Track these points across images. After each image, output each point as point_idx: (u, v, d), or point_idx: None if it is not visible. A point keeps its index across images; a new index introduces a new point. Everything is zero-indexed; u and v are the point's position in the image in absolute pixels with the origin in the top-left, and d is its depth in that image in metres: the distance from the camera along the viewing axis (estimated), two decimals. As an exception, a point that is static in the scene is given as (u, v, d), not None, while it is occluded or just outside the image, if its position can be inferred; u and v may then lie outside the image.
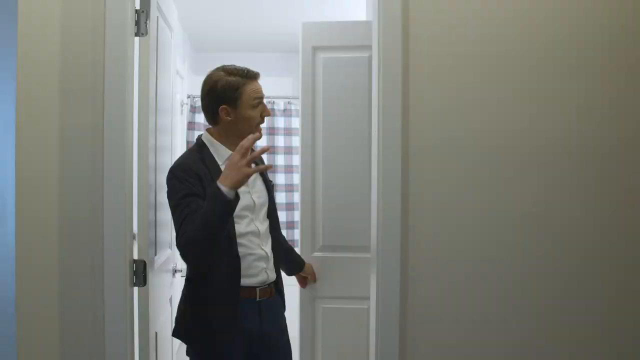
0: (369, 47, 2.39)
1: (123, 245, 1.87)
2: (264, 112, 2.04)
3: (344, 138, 2.56)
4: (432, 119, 1.96)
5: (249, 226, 2.01)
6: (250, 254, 2.00)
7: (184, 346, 3.32)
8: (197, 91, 5.57)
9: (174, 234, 2.63)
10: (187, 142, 4.87)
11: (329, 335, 2.58)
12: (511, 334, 1.98)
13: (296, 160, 5.01)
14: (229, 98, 1.98)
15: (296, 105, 5.04)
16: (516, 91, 1.97)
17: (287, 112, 5.07)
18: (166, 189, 1.97)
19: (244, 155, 1.83)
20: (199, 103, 4.91)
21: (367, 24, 2.63)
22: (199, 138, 2.08)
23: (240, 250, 1.97)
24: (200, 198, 1.88)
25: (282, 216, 4.98)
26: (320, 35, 2.58)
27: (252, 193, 2.04)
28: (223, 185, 1.81)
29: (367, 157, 2.50)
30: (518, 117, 1.97)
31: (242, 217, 1.99)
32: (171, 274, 2.60)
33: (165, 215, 2.39)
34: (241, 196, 1.93)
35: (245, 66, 2.04)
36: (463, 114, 1.96)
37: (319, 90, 2.57)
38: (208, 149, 2.03)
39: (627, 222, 1.99)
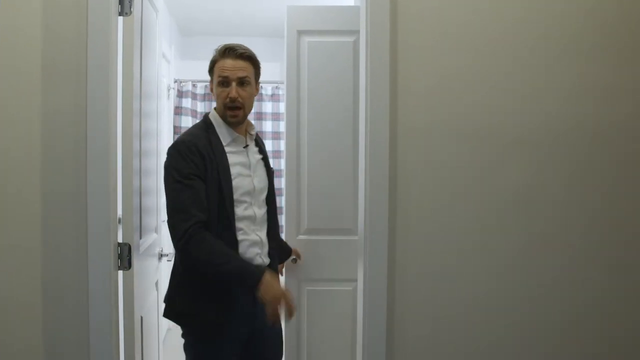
0: (355, 32, 2.39)
1: (107, 229, 1.85)
2: (225, 93, 1.98)
3: (329, 122, 2.56)
4: (420, 102, 1.95)
5: (247, 211, 2.00)
6: (245, 240, 1.99)
7: (171, 331, 3.30)
8: (184, 75, 5.54)
9: (159, 218, 2.64)
10: (174, 127, 4.84)
11: (314, 317, 2.60)
12: (500, 316, 2.00)
13: (284, 145, 5.01)
14: (209, 73, 2.05)
15: (284, 90, 5.01)
16: (506, 75, 1.97)
17: (274, 97, 5.05)
18: (164, 161, 1.95)
19: (279, 308, 1.87)
20: (186, 87, 4.91)
21: (352, 8, 2.62)
22: (206, 116, 2.07)
23: (238, 235, 1.97)
24: (201, 180, 1.88)
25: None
26: (305, 19, 2.57)
27: (254, 177, 2.05)
28: (259, 286, 1.83)
29: (351, 141, 2.51)
30: (507, 100, 1.97)
31: (241, 202, 1.98)
32: (157, 258, 2.59)
33: (151, 199, 2.38)
34: (242, 180, 1.97)
35: (237, 44, 2.02)
36: (451, 97, 1.96)
37: (304, 74, 2.56)
38: (215, 128, 2.02)
39: (614, 205, 2.01)
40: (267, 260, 2.08)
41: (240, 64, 1.98)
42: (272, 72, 5.16)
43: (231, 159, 1.99)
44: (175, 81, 4.84)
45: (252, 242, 2.01)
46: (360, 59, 2.05)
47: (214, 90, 2.03)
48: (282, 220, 2.84)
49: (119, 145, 1.96)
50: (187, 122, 4.87)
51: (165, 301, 2.04)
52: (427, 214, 1.97)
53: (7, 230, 1.83)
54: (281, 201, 4.82)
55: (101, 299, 1.85)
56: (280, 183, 4.87)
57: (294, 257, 2.59)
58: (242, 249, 1.97)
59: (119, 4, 1.93)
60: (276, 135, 5.04)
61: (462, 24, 1.96)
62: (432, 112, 1.96)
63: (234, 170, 1.98)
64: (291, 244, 2.60)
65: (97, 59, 1.83)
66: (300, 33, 2.55)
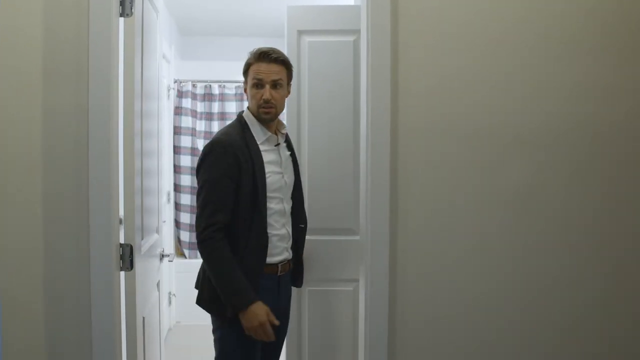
0: (355, 31, 2.38)
1: (109, 229, 1.86)
2: (259, 94, 2.07)
3: (329, 122, 2.55)
4: (421, 102, 1.96)
5: (278, 205, 2.12)
6: (275, 235, 2.10)
7: (172, 331, 3.31)
8: (184, 76, 5.53)
9: (160, 219, 2.64)
10: (174, 127, 4.84)
11: (315, 318, 2.59)
12: (501, 316, 2.00)
13: None
14: (244, 74, 2.15)
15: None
16: (506, 74, 1.97)
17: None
18: (198, 158, 2.07)
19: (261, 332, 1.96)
20: (185, 88, 4.91)
21: (353, 8, 2.62)
22: (240, 115, 2.15)
23: (269, 231, 2.07)
24: (233, 182, 1.99)
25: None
26: (305, 18, 2.56)
27: (285, 174, 2.15)
28: (245, 310, 1.94)
29: (351, 140, 2.50)
30: (507, 100, 1.98)
31: (273, 198, 2.09)
32: (158, 259, 2.60)
33: (152, 200, 2.39)
34: (274, 177, 2.09)
35: (271, 48, 2.12)
36: (452, 97, 1.97)
37: (304, 74, 2.55)
38: (249, 128, 2.10)
39: (614, 205, 2.01)
40: (291, 254, 2.19)
41: (274, 67, 2.08)
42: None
43: (265, 157, 2.09)
44: (175, 81, 4.84)
45: (280, 236, 2.13)
46: (361, 59, 2.05)
47: (249, 91, 2.12)
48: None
49: (121, 146, 1.97)
50: (187, 123, 4.87)
51: (196, 287, 2.14)
52: (428, 214, 1.98)
53: (9, 231, 1.83)
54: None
55: (103, 299, 1.85)
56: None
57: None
58: (272, 243, 2.09)
59: (120, 5, 1.93)
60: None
61: (462, 24, 1.96)
62: (432, 112, 1.96)
63: (267, 168, 2.08)
64: None
65: (98, 60, 1.84)
66: (301, 33, 2.55)
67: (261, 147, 2.10)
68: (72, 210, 1.85)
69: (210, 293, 2.04)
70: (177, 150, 4.87)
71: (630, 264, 2.02)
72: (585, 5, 1.98)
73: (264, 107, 2.08)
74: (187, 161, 4.86)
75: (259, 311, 1.95)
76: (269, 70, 2.07)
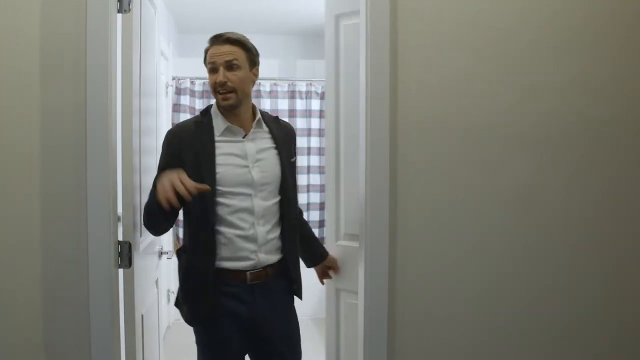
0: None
1: (107, 227, 1.84)
2: (214, 79, 1.95)
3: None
4: (421, 101, 1.95)
5: (243, 202, 1.95)
6: (239, 236, 1.94)
7: (171, 329, 3.31)
8: (182, 73, 5.52)
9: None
10: (172, 125, 4.83)
11: (352, 331, 2.24)
12: (502, 315, 2.00)
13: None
14: (204, 64, 2.04)
15: (282, 87, 5.01)
16: (506, 72, 1.97)
17: (272, 94, 5.05)
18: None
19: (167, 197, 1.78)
20: (184, 85, 4.89)
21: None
22: (208, 106, 2.07)
23: (228, 230, 1.94)
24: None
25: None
26: (342, 1, 2.31)
27: (252, 168, 1.97)
28: (156, 190, 1.83)
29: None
30: (508, 98, 1.97)
31: (235, 194, 1.95)
32: (157, 256, 2.59)
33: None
34: (234, 170, 1.94)
35: (228, 32, 1.99)
36: (452, 95, 1.96)
37: (342, 61, 2.30)
38: (211, 118, 2.01)
39: (615, 204, 2.01)
40: (266, 259, 1.99)
41: (227, 48, 1.94)
42: (269, 69, 5.15)
43: (221, 148, 1.96)
44: (174, 78, 4.82)
45: (246, 238, 1.95)
46: (360, 57, 2.01)
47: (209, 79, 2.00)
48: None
49: (119, 143, 1.96)
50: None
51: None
52: (427, 214, 1.97)
53: (7, 229, 1.82)
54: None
55: (101, 297, 1.84)
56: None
57: (328, 265, 2.31)
58: (235, 246, 1.94)
59: (118, 1, 1.92)
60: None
61: (461, 23, 1.95)
62: (432, 111, 1.95)
63: (221, 160, 1.94)
64: (330, 250, 2.35)
65: (96, 57, 1.82)
66: (338, 17, 2.31)
67: (219, 139, 1.97)
68: (70, 207, 1.84)
69: (178, 295, 2.07)
70: (175, 147, 4.85)
71: (630, 264, 2.01)
72: (587, 2, 1.97)
73: (220, 92, 1.94)
74: (185, 158, 4.85)
75: (163, 177, 1.81)
76: (221, 51, 1.94)
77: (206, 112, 2.04)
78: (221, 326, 1.97)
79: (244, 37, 2.00)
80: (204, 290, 1.94)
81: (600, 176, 2.00)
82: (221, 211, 1.94)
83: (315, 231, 4.61)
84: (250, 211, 1.96)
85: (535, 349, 2.01)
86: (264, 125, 2.07)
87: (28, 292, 1.84)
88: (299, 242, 2.17)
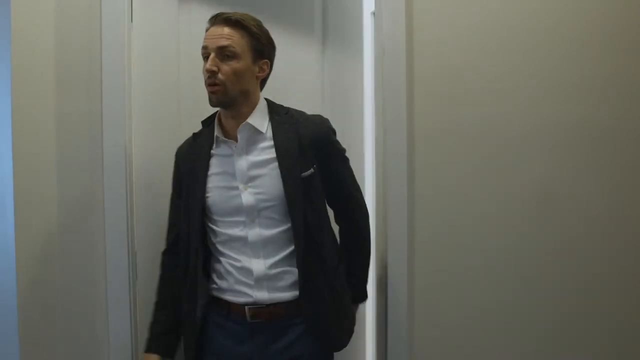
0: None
1: (124, 237, 1.84)
2: (204, 68, 1.57)
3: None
4: (437, 103, 1.93)
5: (237, 231, 1.60)
6: (238, 268, 1.61)
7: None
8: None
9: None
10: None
11: None
12: (524, 322, 1.96)
13: None
14: None
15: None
16: (522, 75, 1.94)
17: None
18: None
19: None
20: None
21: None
22: (214, 113, 1.71)
23: (227, 261, 1.62)
24: (179, 197, 1.69)
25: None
26: None
27: (243, 190, 1.59)
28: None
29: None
30: (524, 101, 1.94)
31: (226, 223, 1.61)
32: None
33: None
34: (222, 194, 1.60)
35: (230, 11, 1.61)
36: (467, 98, 1.93)
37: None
38: (214, 126, 1.66)
39: (634, 207, 1.96)
40: (266, 296, 1.59)
41: (225, 30, 1.55)
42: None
43: (214, 167, 1.62)
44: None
45: (241, 270, 1.60)
46: (374, 62, 2.00)
47: None
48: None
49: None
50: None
51: None
52: (444, 218, 1.94)
53: (25, 241, 1.79)
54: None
55: (119, 309, 1.85)
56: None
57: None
58: (233, 278, 1.61)
59: (132, 10, 1.92)
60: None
61: (473, 24, 1.93)
62: (447, 115, 1.93)
63: (212, 182, 1.61)
64: None
65: (111, 67, 1.83)
66: None
67: (215, 152, 1.62)
68: (88, 217, 1.84)
69: None
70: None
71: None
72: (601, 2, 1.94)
73: (208, 84, 1.56)
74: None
75: None
76: (216, 33, 1.54)
77: (210, 119, 1.69)
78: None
79: (252, 19, 1.60)
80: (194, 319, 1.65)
81: (620, 178, 1.96)
82: (214, 239, 1.64)
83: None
84: (244, 241, 1.60)
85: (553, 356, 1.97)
86: (266, 129, 1.63)
87: (46, 298, 1.82)
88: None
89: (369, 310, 2.49)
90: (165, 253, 1.77)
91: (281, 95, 1.78)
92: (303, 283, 1.58)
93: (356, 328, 1.80)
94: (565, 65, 1.94)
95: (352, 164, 1.78)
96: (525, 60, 1.94)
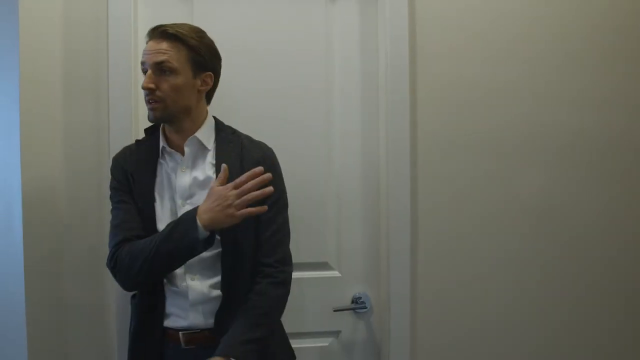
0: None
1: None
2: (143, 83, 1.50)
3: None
4: (439, 111, 1.95)
5: None
6: (170, 290, 1.53)
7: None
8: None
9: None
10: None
11: None
12: (525, 331, 1.98)
13: None
14: None
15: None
16: (524, 84, 1.96)
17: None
18: None
19: (239, 193, 1.37)
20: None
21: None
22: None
23: (167, 282, 1.54)
24: (129, 204, 1.54)
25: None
26: None
27: (181, 207, 1.52)
28: (200, 220, 1.38)
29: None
30: (526, 110, 1.96)
31: None
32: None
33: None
34: (169, 206, 1.53)
35: (178, 23, 1.55)
36: (470, 105, 1.95)
37: None
38: (159, 135, 1.59)
39: (633, 213, 1.98)
40: (202, 321, 1.50)
41: (162, 45, 1.48)
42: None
43: (158, 176, 1.56)
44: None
45: (177, 293, 1.52)
46: (378, 72, 2.01)
47: None
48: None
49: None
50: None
51: None
52: (446, 228, 1.96)
53: (33, 248, 1.80)
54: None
55: (125, 321, 1.81)
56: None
57: None
58: (169, 300, 1.53)
59: (137, 19, 1.93)
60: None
61: (478, 33, 1.96)
62: (450, 124, 1.95)
63: (157, 192, 1.54)
64: None
65: (118, 76, 1.84)
66: None
67: (162, 162, 1.56)
68: (94, 228, 1.84)
69: None
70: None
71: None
72: (600, 6, 1.97)
73: (146, 101, 1.50)
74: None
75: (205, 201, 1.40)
76: (153, 48, 1.48)
77: (154, 128, 1.62)
78: None
79: (193, 30, 1.52)
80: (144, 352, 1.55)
81: (620, 185, 1.97)
82: None
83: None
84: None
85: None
86: (212, 145, 1.58)
87: (52, 313, 1.83)
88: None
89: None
90: (123, 243, 1.49)
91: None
92: (224, 311, 1.49)
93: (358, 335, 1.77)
94: (567, 75, 1.96)
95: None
96: (528, 70, 1.95)
